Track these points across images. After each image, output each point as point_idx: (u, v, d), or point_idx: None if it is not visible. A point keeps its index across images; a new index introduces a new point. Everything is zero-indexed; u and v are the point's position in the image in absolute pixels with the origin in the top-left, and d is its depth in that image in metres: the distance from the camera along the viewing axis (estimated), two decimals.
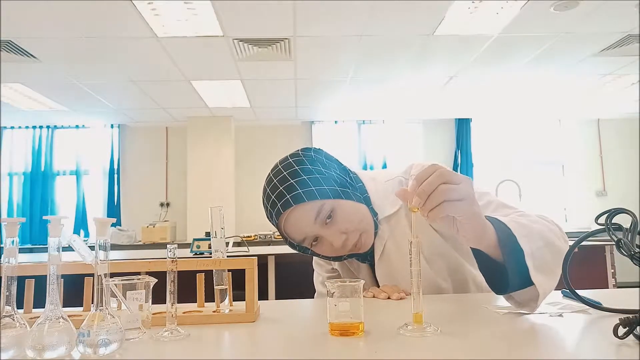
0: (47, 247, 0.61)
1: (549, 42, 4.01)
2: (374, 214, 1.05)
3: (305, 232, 0.99)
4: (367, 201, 1.05)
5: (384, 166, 6.71)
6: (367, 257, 1.10)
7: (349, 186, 1.03)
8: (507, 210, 0.96)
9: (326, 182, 0.99)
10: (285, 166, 1.01)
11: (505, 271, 0.77)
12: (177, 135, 6.71)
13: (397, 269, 1.06)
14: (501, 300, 0.90)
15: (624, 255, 0.67)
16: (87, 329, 0.58)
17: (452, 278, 1.07)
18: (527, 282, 0.76)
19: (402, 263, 1.06)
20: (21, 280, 0.72)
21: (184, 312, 0.81)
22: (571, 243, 0.82)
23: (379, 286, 1.11)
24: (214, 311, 0.83)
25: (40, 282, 0.68)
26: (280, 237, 1.06)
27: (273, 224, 1.04)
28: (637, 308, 0.70)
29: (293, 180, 0.97)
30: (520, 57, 4.38)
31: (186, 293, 1.00)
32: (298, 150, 1.06)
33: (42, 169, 6.49)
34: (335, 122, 6.75)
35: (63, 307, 0.62)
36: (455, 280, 1.08)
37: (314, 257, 1.22)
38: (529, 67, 4.63)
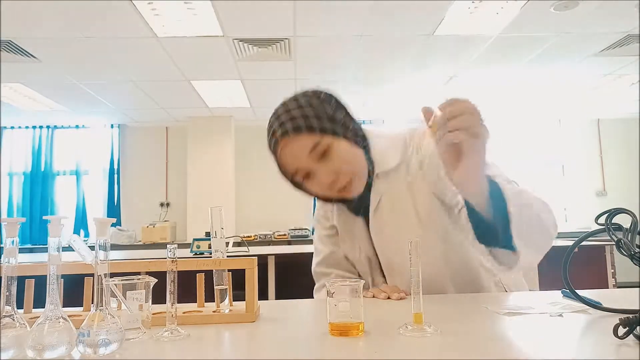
0: (47, 247, 0.61)
1: (549, 42, 4.01)
2: (370, 163, 1.06)
3: (298, 164, 0.99)
4: (365, 149, 1.06)
5: None
6: (361, 210, 1.11)
7: (351, 130, 1.03)
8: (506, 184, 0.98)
9: (329, 119, 0.99)
10: (293, 98, 1.03)
11: (490, 228, 0.82)
12: (177, 135, 6.71)
13: (390, 224, 1.07)
14: (501, 301, 0.90)
15: (624, 255, 0.67)
16: (87, 329, 0.58)
17: (447, 241, 1.07)
18: (510, 244, 0.82)
19: (395, 220, 1.06)
20: (21, 280, 0.72)
21: (184, 312, 0.81)
22: (571, 243, 0.82)
23: (372, 241, 1.11)
24: (214, 311, 0.83)
25: (40, 282, 0.68)
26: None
27: (271, 152, 1.04)
28: (637, 308, 0.70)
29: (296, 111, 0.98)
30: (520, 57, 4.38)
31: (186, 293, 1.00)
32: (308, 89, 1.06)
33: (42, 169, 6.49)
34: None
35: (63, 307, 0.62)
36: (450, 242, 1.07)
37: (314, 215, 1.26)
38: (529, 67, 4.63)
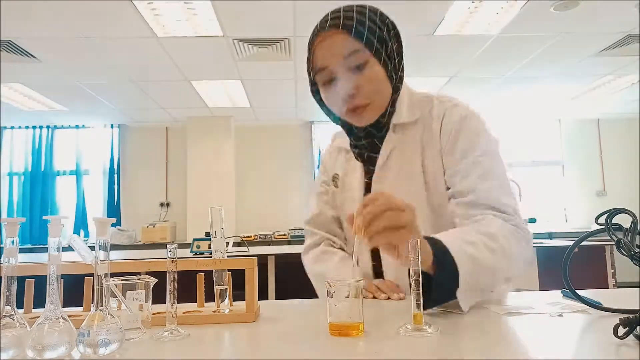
0: (47, 247, 0.61)
1: (549, 42, 4.01)
2: (392, 108, 1.05)
3: (329, 62, 0.98)
4: (394, 91, 1.04)
5: None
6: (365, 156, 1.09)
7: (393, 65, 1.02)
8: (476, 194, 0.94)
9: (380, 40, 0.98)
10: (362, 5, 1.01)
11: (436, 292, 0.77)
12: (177, 135, 6.71)
13: (396, 179, 1.04)
14: (501, 301, 0.90)
15: (624, 255, 0.67)
16: (87, 329, 0.58)
17: (444, 218, 1.03)
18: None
19: (402, 176, 1.04)
20: (21, 280, 0.72)
21: (184, 312, 0.81)
22: (571, 243, 0.82)
23: (369, 191, 1.08)
24: (214, 311, 0.83)
25: (40, 282, 0.68)
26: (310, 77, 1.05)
27: (310, 39, 1.02)
28: (637, 308, 0.70)
29: (358, 15, 0.97)
30: (520, 57, 4.38)
31: (186, 293, 1.00)
32: (380, 10, 1.05)
33: (42, 169, 6.49)
34: None
35: (63, 307, 0.62)
36: (446, 223, 1.03)
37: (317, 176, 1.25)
38: (529, 67, 4.63)
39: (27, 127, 6.53)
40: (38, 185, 6.44)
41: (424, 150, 1.04)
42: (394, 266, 1.05)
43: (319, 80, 1.02)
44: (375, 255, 1.09)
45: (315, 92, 1.07)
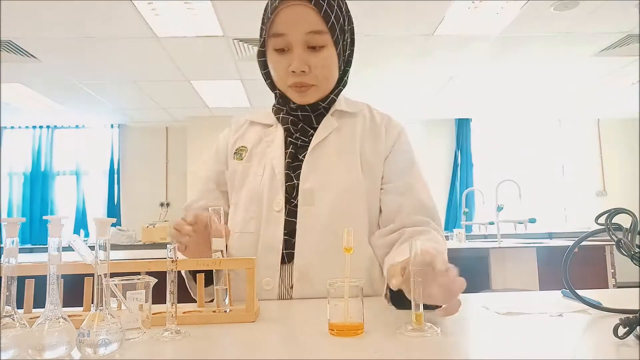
0: (47, 247, 0.61)
1: (549, 42, 4.01)
2: (336, 95, 1.08)
3: (289, 32, 0.95)
4: (339, 82, 1.07)
5: None
6: (299, 126, 1.06)
7: (344, 56, 1.05)
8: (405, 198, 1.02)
9: (342, 29, 1.00)
10: None
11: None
12: (177, 135, 6.71)
13: (330, 160, 1.03)
14: (501, 301, 0.90)
15: (624, 255, 0.67)
16: (87, 329, 0.58)
17: (374, 210, 1.06)
18: None
19: (341, 157, 1.04)
20: (21, 280, 0.72)
21: (184, 312, 0.81)
22: (571, 243, 0.82)
23: (295, 162, 1.04)
24: (213, 311, 0.83)
25: (40, 282, 0.68)
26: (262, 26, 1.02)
27: (269, 7, 0.98)
28: (637, 308, 0.70)
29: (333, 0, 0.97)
30: (520, 57, 4.38)
31: (186, 293, 1.00)
32: None
33: (42, 169, 6.49)
34: None
35: (63, 307, 0.62)
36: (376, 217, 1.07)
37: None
38: (528, 67, 4.63)
39: (27, 127, 6.53)
40: (38, 185, 6.44)
41: (362, 141, 1.07)
42: (305, 248, 1.00)
43: (271, 45, 1.00)
44: (288, 238, 1.01)
45: (262, 53, 1.06)
